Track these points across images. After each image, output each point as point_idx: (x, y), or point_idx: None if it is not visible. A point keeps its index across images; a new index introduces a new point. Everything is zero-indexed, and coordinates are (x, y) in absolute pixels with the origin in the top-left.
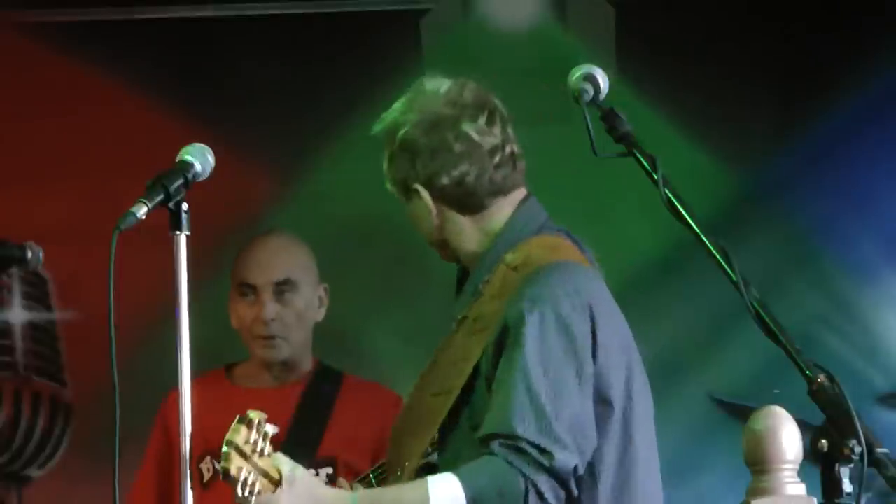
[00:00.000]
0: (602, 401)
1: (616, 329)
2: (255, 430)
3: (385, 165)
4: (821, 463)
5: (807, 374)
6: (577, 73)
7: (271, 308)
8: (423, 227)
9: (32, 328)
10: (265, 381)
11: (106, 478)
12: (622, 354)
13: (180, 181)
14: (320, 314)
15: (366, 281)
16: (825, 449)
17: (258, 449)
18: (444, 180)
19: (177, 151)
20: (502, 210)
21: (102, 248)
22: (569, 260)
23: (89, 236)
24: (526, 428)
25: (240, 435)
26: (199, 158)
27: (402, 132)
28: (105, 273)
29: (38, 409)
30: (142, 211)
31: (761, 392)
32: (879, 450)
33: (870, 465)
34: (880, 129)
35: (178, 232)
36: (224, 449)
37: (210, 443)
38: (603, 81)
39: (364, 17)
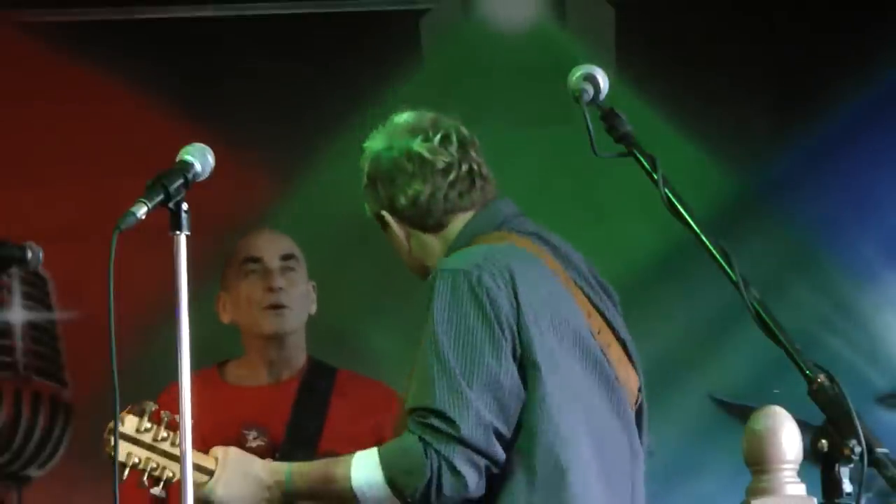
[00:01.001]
0: (529, 361)
1: (553, 299)
2: (147, 420)
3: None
4: (821, 463)
5: (807, 374)
6: (577, 72)
7: (279, 277)
8: (401, 253)
9: (32, 328)
10: (259, 378)
11: (106, 478)
12: (556, 319)
13: (180, 181)
14: (312, 308)
15: (364, 280)
16: (825, 449)
17: (162, 437)
18: (402, 201)
19: (177, 151)
20: (459, 224)
21: (102, 247)
22: (513, 244)
23: (89, 236)
24: (435, 398)
25: (124, 424)
26: (199, 158)
27: (367, 165)
28: (105, 273)
29: (38, 408)
30: (142, 211)
31: (761, 392)
32: (879, 450)
33: (870, 465)
34: (881, 129)
35: (178, 232)
36: (105, 436)
37: (208, 444)
38: (603, 81)
39: (364, 17)
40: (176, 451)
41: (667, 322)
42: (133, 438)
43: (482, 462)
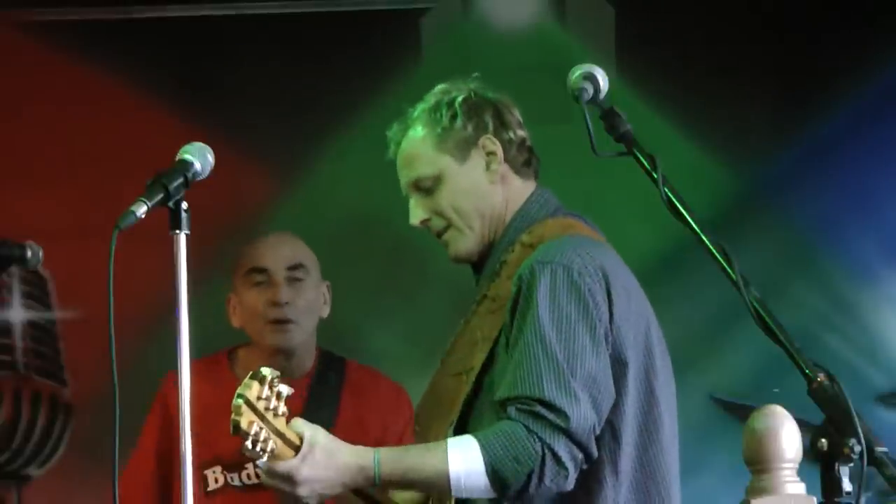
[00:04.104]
0: (618, 360)
1: (631, 294)
2: (267, 387)
3: (433, 132)
4: (820, 462)
5: (807, 374)
6: (577, 72)
7: (286, 291)
8: (476, 193)
9: (32, 327)
10: None
11: (105, 477)
12: (639, 318)
13: (180, 180)
14: (325, 310)
15: (365, 279)
16: (825, 448)
17: (271, 407)
18: (511, 135)
19: (176, 151)
20: (530, 188)
21: (102, 246)
22: (581, 234)
23: (89, 235)
24: (542, 388)
25: (251, 390)
26: (199, 157)
27: (461, 97)
28: (105, 272)
29: (38, 408)
30: (141, 210)
31: (761, 391)
32: (879, 449)
33: (869, 464)
34: (880, 128)
35: (177, 231)
36: (235, 402)
37: (218, 449)
38: (603, 81)
39: (364, 16)
40: (278, 424)
41: (667, 321)
42: (253, 406)
43: (580, 456)
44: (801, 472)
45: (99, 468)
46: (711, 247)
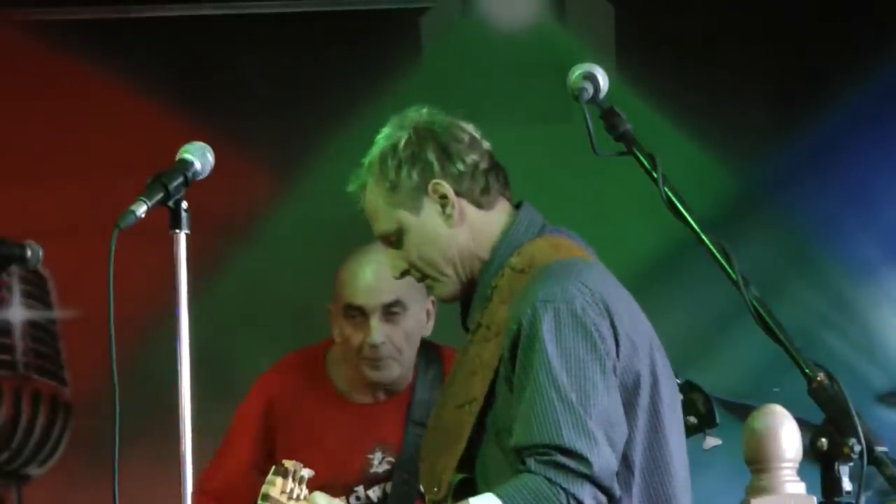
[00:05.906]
0: (626, 389)
1: (634, 317)
2: (290, 479)
3: (383, 188)
4: (820, 461)
5: (806, 373)
6: (577, 71)
7: (380, 332)
8: (439, 241)
9: (32, 327)
10: (372, 394)
11: (105, 476)
12: (643, 340)
13: (180, 179)
14: (428, 329)
15: None
16: (825, 447)
17: (294, 496)
18: (460, 167)
19: (177, 150)
20: (503, 213)
21: (102, 246)
22: (575, 257)
23: (89, 234)
24: (561, 434)
25: (275, 487)
26: (199, 157)
27: (403, 140)
28: (105, 272)
29: (38, 407)
30: (141, 209)
31: (761, 391)
32: (879, 448)
33: (869, 463)
34: (879, 127)
35: (177, 230)
36: (260, 502)
37: (334, 465)
38: (603, 80)
39: (364, 15)
40: None
41: (666, 321)
42: (277, 502)
43: (604, 500)
44: (801, 472)
45: (99, 468)
46: (711, 246)
